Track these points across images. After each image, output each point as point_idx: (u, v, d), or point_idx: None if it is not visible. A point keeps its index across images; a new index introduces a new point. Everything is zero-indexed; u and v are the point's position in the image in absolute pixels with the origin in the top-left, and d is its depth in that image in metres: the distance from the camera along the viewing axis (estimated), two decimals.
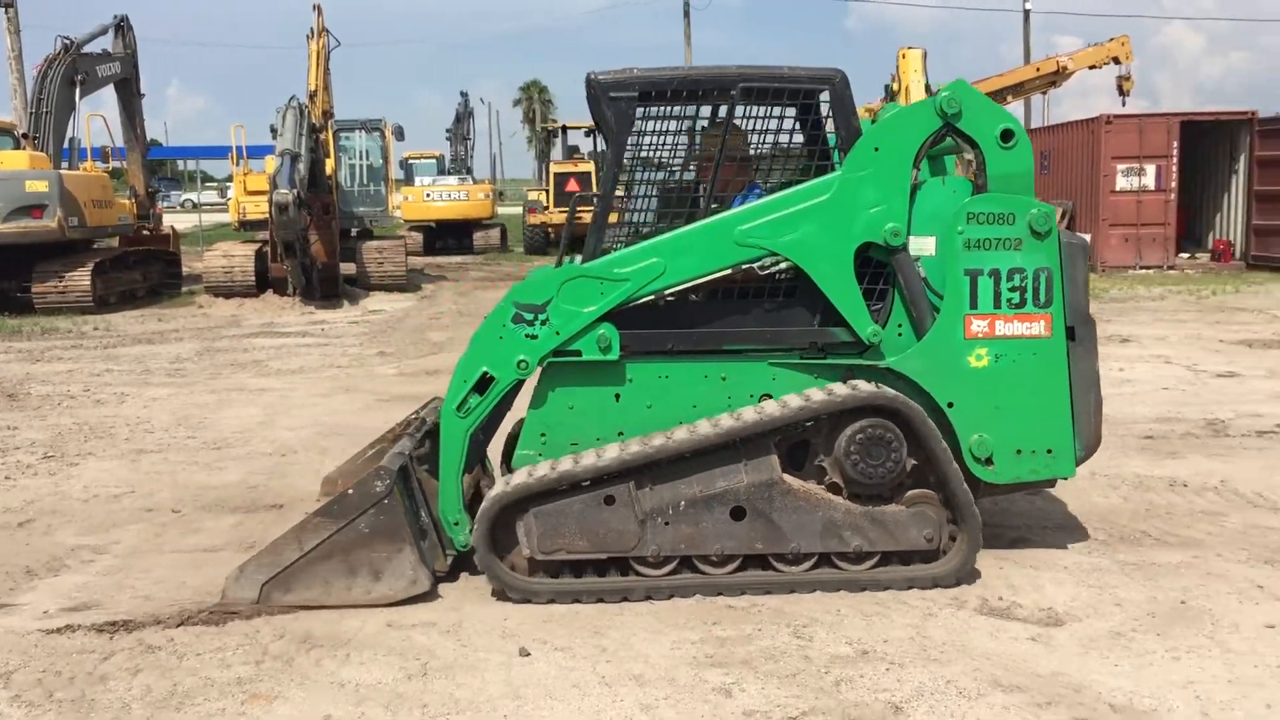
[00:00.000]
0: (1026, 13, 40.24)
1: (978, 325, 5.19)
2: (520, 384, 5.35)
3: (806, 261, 5.21)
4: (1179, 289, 18.45)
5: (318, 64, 20.99)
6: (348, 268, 20.38)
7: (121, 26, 20.91)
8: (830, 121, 5.37)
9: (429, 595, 5.02)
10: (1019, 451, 5.25)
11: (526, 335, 5.20)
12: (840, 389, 5.10)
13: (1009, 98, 28.83)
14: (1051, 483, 5.49)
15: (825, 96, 5.34)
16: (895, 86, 20.80)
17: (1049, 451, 5.25)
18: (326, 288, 19.03)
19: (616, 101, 5.25)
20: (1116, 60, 27.77)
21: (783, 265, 5.27)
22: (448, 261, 28.60)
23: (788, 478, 5.06)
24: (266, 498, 6.88)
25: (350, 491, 4.99)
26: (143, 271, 20.42)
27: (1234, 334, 13.24)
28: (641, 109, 5.33)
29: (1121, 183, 21.84)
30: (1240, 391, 9.65)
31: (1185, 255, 22.63)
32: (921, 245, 5.27)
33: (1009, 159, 5.26)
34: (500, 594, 5.05)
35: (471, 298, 20.07)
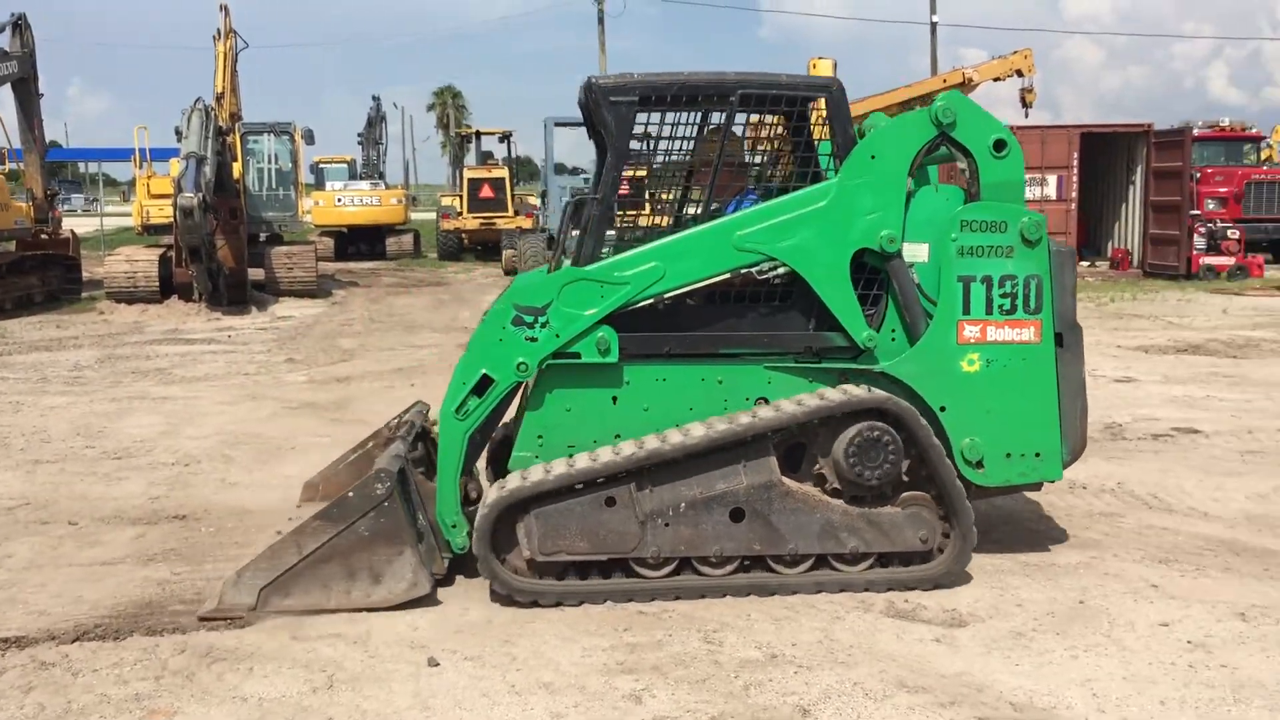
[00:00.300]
0: (934, 25, 40.99)
1: (970, 331, 5.32)
2: (519, 386, 5.32)
3: (804, 266, 5.28)
4: (1080, 296, 18.88)
5: (225, 65, 20.61)
6: (256, 273, 20.01)
7: (19, 24, 20.26)
8: (818, 129, 5.49)
9: (428, 599, 4.99)
10: (1009, 455, 5.36)
11: (526, 338, 5.19)
12: (856, 390, 5.18)
13: (917, 107, 29.39)
14: (1038, 486, 5.62)
15: (821, 105, 5.44)
16: None
17: (1037, 455, 5.38)
18: (234, 293, 18.67)
19: (617, 106, 5.27)
20: (1019, 73, 28.43)
21: (780, 270, 5.32)
22: (360, 267, 28.23)
23: (786, 480, 5.11)
24: (169, 508, 6.71)
25: (350, 494, 4.94)
26: (40, 276, 19.83)
27: (1132, 340, 13.64)
28: (641, 114, 5.36)
29: (1025, 192, 22.34)
30: (1137, 396, 9.93)
31: (1085, 264, 23.25)
32: (915, 252, 5.37)
33: (1001, 168, 5.39)
34: (498, 595, 5.04)
35: (384, 304, 19.84)
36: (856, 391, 5.16)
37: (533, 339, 5.18)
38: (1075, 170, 22.37)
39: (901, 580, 5.14)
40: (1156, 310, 16.86)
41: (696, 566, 5.10)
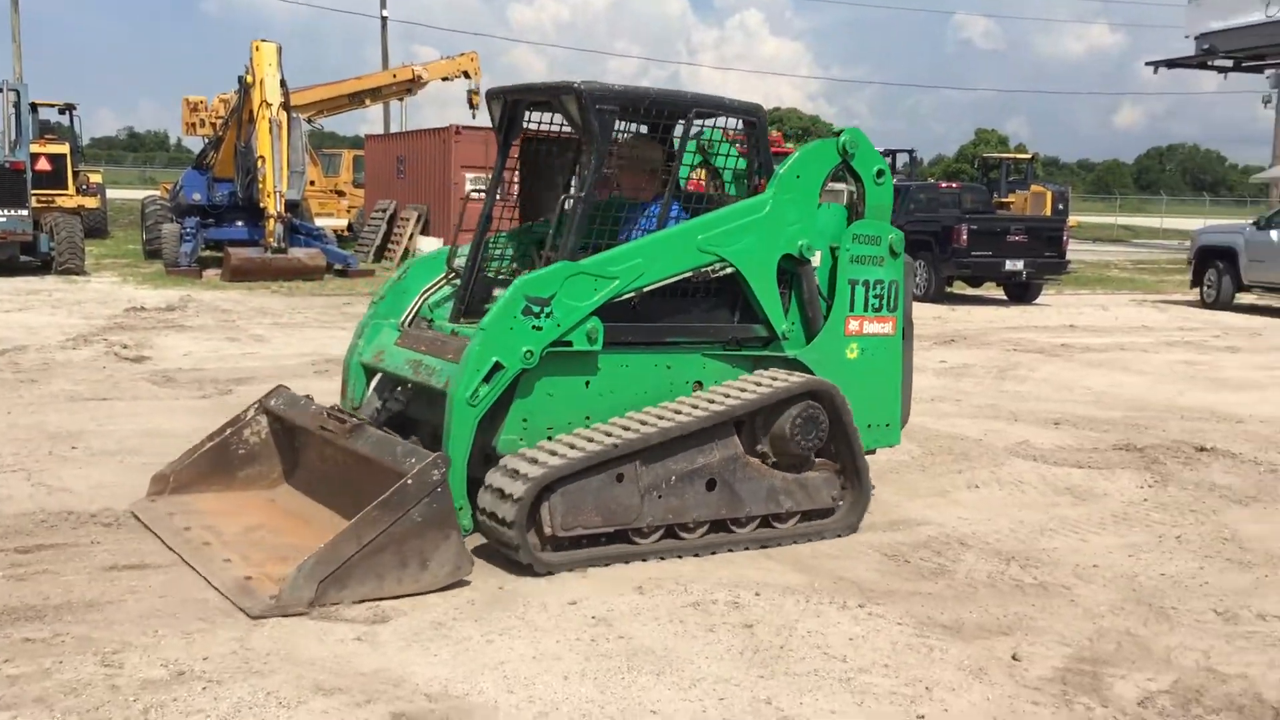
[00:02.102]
0: (384, 20, 41.22)
1: (854, 325, 6.43)
2: (522, 374, 5.50)
3: (746, 267, 6.06)
4: None
5: None
6: None
7: None
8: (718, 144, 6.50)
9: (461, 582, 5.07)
10: (870, 425, 6.44)
11: (533, 326, 5.48)
12: (802, 375, 6.07)
13: (368, 101, 29.38)
14: (873, 451, 6.61)
15: (746, 124, 6.28)
16: (250, 79, 20.20)
17: (886, 425, 6.59)
18: None
19: (602, 113, 5.72)
20: (467, 74, 29.36)
21: (728, 270, 6.05)
22: None
23: (744, 453, 5.82)
24: None
25: (409, 481, 4.91)
26: None
27: None
28: (619, 121, 5.93)
29: (471, 190, 23.10)
30: None
31: None
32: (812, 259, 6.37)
33: (881, 193, 6.50)
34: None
35: None
36: (804, 377, 6.05)
37: (538, 328, 5.49)
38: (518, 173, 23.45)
39: (817, 531, 6.02)
40: None
41: (677, 532, 5.64)
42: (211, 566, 5.21)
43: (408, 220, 24.42)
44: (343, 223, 30.58)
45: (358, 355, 6.46)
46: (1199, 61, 41.68)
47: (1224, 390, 11.44)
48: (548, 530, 5.27)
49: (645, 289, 5.83)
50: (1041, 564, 5.78)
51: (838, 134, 6.40)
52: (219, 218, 21.83)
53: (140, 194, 35.09)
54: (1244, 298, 21.10)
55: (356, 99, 28.30)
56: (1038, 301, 21.12)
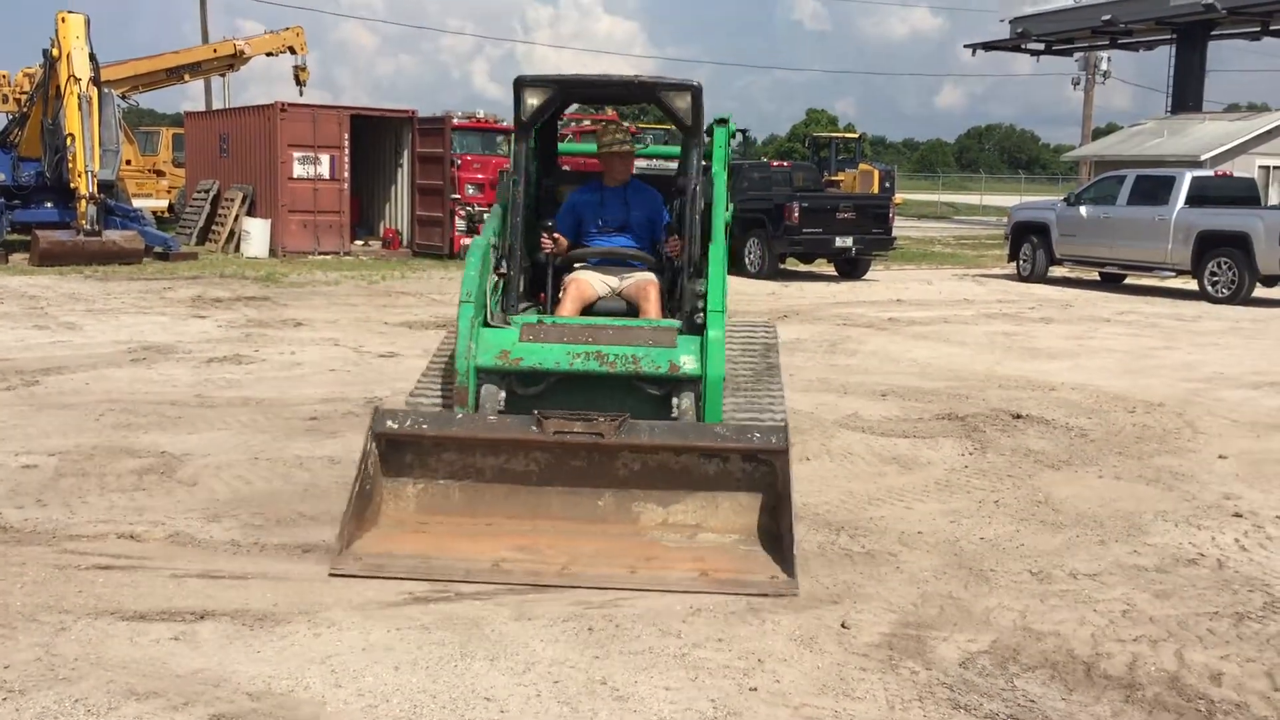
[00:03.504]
0: None
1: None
2: None
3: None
4: (352, 274, 19.44)
5: None
6: None
7: None
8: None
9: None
10: None
11: None
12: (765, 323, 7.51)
13: (186, 76, 28.19)
14: None
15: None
16: (56, 52, 19.11)
17: None
18: None
19: (703, 108, 6.43)
20: (293, 50, 28.44)
21: None
22: None
23: None
24: None
25: (762, 456, 5.43)
26: None
27: (398, 316, 14.27)
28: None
29: (298, 170, 22.45)
30: (399, 370, 10.35)
31: (359, 242, 23.97)
32: None
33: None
34: None
35: None
36: (767, 325, 7.47)
37: None
38: (347, 151, 22.88)
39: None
40: (422, 288, 17.83)
41: None
42: (615, 577, 5.05)
43: (233, 201, 23.53)
44: (163, 204, 29.35)
45: (472, 359, 6.02)
46: (1013, 45, 43.52)
47: (1038, 359, 11.98)
48: None
49: None
50: (869, 533, 5.93)
51: (724, 121, 7.43)
52: (25, 199, 20.69)
53: None
54: (1057, 271, 22.16)
55: (175, 74, 27.13)
56: (866, 277, 21.72)
